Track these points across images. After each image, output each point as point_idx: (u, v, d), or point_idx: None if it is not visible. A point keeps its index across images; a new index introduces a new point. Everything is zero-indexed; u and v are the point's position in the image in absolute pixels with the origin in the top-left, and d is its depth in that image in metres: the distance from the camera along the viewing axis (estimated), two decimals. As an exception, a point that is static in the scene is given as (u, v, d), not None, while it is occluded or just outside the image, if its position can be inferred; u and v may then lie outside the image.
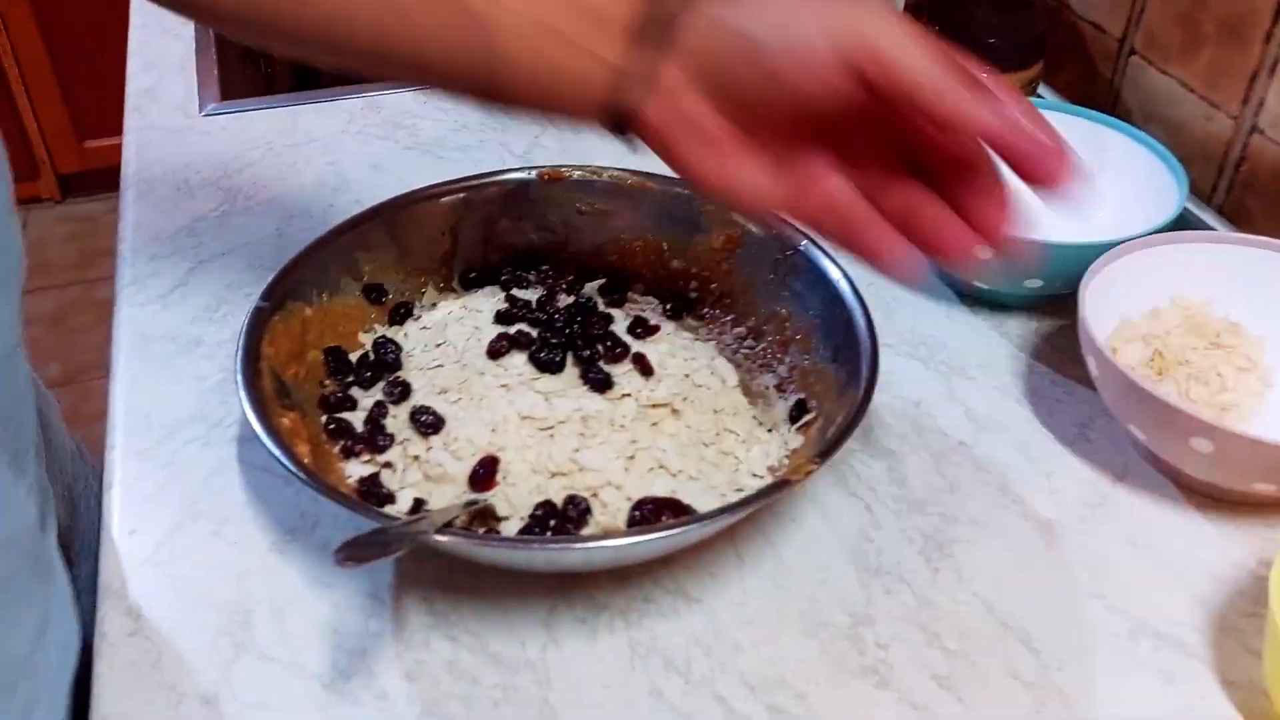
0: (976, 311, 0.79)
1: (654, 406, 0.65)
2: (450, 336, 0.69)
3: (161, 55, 1.07)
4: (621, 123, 0.47)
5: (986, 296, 0.79)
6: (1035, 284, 0.74)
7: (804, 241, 0.69)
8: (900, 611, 0.58)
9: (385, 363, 0.67)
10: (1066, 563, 0.61)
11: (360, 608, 0.57)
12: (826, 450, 0.57)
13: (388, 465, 0.62)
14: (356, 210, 0.71)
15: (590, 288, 0.74)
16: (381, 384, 0.66)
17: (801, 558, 0.61)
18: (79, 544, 0.68)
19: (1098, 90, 0.96)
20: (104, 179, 2.40)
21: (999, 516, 0.64)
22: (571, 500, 0.58)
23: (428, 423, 0.62)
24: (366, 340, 0.69)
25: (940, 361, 0.75)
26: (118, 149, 0.94)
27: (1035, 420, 0.71)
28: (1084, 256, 0.71)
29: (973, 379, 0.74)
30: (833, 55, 0.41)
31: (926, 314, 0.79)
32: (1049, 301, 0.79)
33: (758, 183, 0.47)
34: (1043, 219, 0.82)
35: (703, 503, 0.59)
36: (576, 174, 0.73)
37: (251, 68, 1.22)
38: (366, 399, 0.65)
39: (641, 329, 0.71)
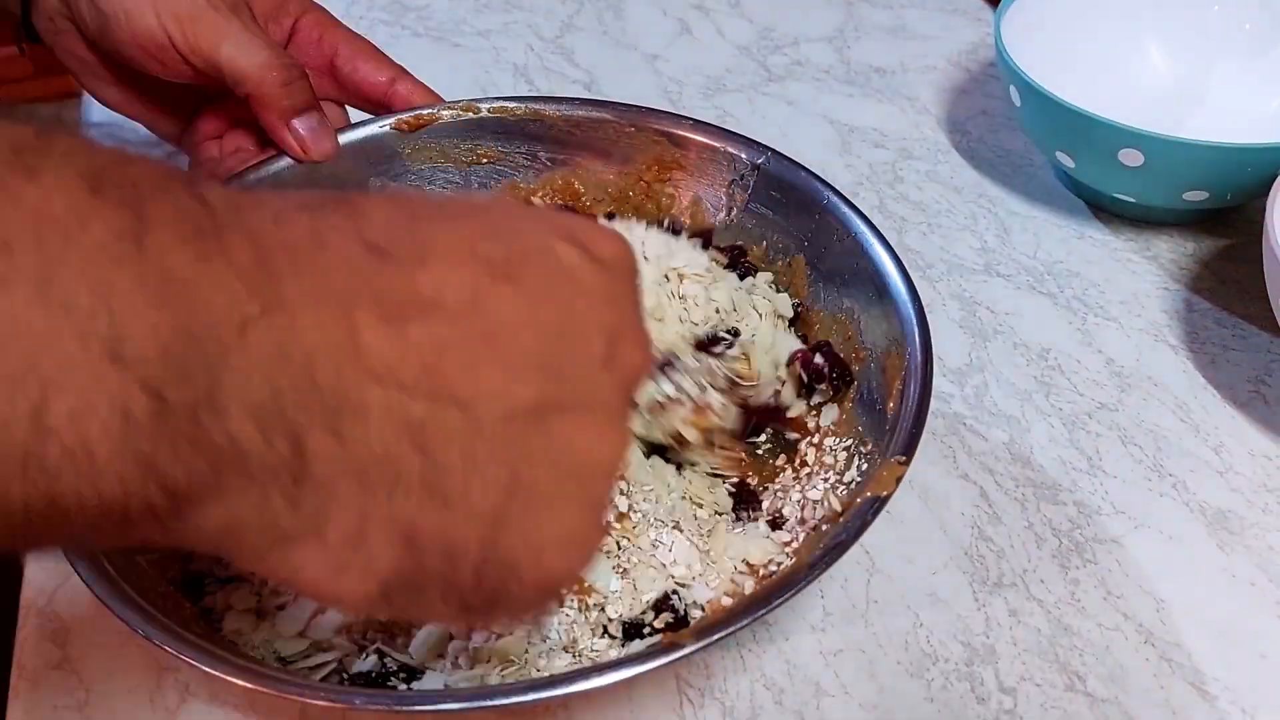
0: (1116, 229, 0.63)
1: None
2: None
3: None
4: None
5: (1129, 210, 0.63)
6: (1197, 196, 0.58)
7: (767, 154, 0.53)
8: (1030, 641, 0.45)
9: None
10: (1246, 569, 0.47)
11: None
12: (911, 440, 0.42)
13: None
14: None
15: None
16: None
17: (899, 563, 0.48)
18: None
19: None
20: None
21: (1155, 506, 0.50)
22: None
23: None
24: None
25: (1073, 296, 0.60)
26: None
27: (1197, 373, 0.55)
28: (1266, 161, 0.54)
29: (1114, 319, 0.58)
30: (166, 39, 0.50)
31: (1052, 232, 0.64)
32: (1209, 217, 0.63)
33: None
34: (1198, 110, 0.66)
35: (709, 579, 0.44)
36: (446, 114, 0.56)
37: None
38: None
39: None
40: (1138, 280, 0.60)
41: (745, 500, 0.46)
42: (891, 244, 0.49)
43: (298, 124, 0.52)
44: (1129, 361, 0.56)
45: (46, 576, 0.47)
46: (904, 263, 0.47)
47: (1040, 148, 0.64)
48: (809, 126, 0.72)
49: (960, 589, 0.47)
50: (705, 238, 0.54)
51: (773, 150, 0.53)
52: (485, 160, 0.56)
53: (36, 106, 2.27)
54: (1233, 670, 0.44)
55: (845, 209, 0.50)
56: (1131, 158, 0.57)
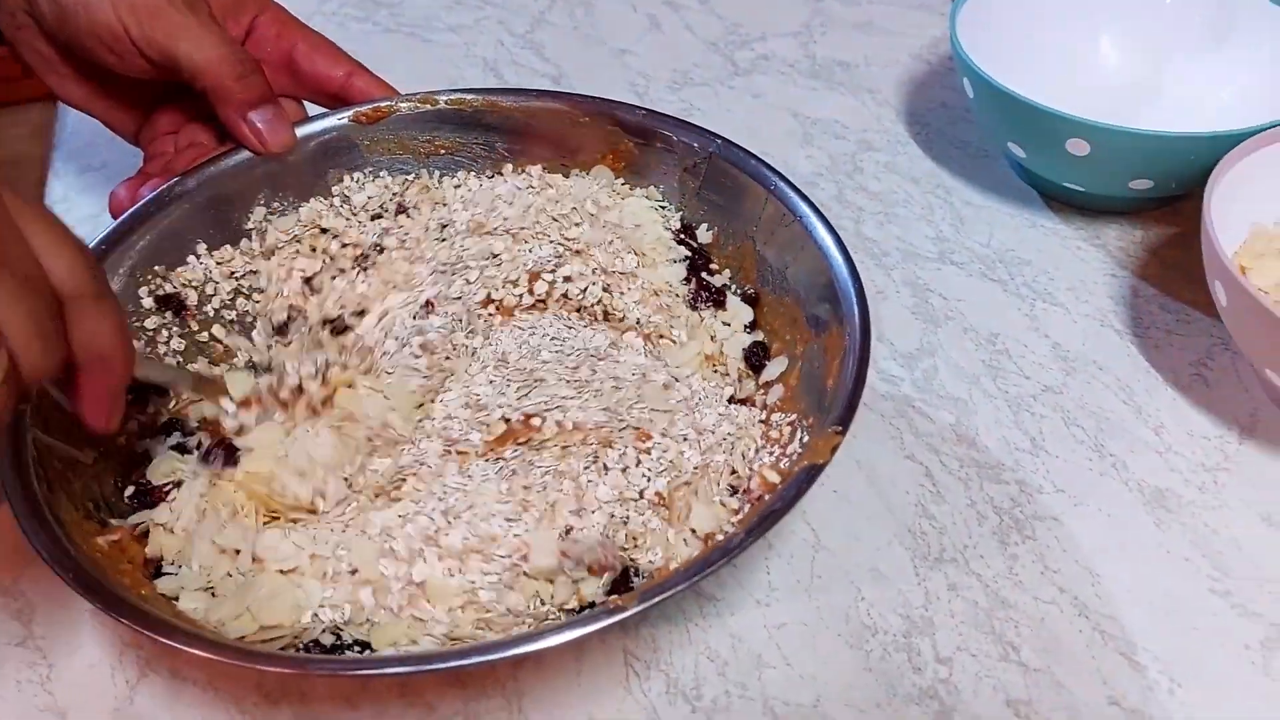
0: (1067, 218, 0.65)
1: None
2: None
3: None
4: None
5: (1079, 200, 0.64)
6: (1143, 185, 0.60)
7: (717, 141, 0.54)
8: (968, 614, 0.46)
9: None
10: (1181, 547, 0.49)
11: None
12: (846, 412, 0.43)
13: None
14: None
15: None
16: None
17: (844, 539, 0.49)
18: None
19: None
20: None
21: (1095, 484, 0.51)
22: None
23: None
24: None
25: (1023, 283, 0.61)
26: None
27: (1140, 357, 0.57)
28: (1207, 150, 0.56)
29: (1062, 304, 0.60)
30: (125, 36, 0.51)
31: (1005, 221, 0.65)
32: (1158, 206, 0.64)
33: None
34: (1153, 103, 0.68)
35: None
36: (404, 106, 0.57)
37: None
38: None
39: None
40: (1086, 267, 0.62)
41: None
42: (838, 230, 0.50)
43: (254, 116, 0.53)
44: (1075, 346, 0.57)
45: (13, 554, 0.49)
46: (845, 244, 0.49)
47: (993, 139, 0.65)
48: (772, 119, 0.73)
49: (902, 564, 0.48)
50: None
51: (723, 138, 0.54)
52: (443, 151, 0.58)
53: (29, 107, 2.29)
54: (1163, 642, 0.45)
55: (792, 194, 0.51)
56: (1078, 147, 0.58)
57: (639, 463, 0.46)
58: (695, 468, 0.46)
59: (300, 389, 0.49)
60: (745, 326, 0.53)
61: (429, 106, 0.57)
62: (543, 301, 0.53)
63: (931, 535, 0.49)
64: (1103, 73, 0.69)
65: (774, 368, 0.50)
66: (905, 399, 0.55)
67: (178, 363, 0.51)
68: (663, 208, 0.56)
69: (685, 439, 0.47)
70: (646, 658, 0.45)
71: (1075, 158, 0.59)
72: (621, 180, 0.57)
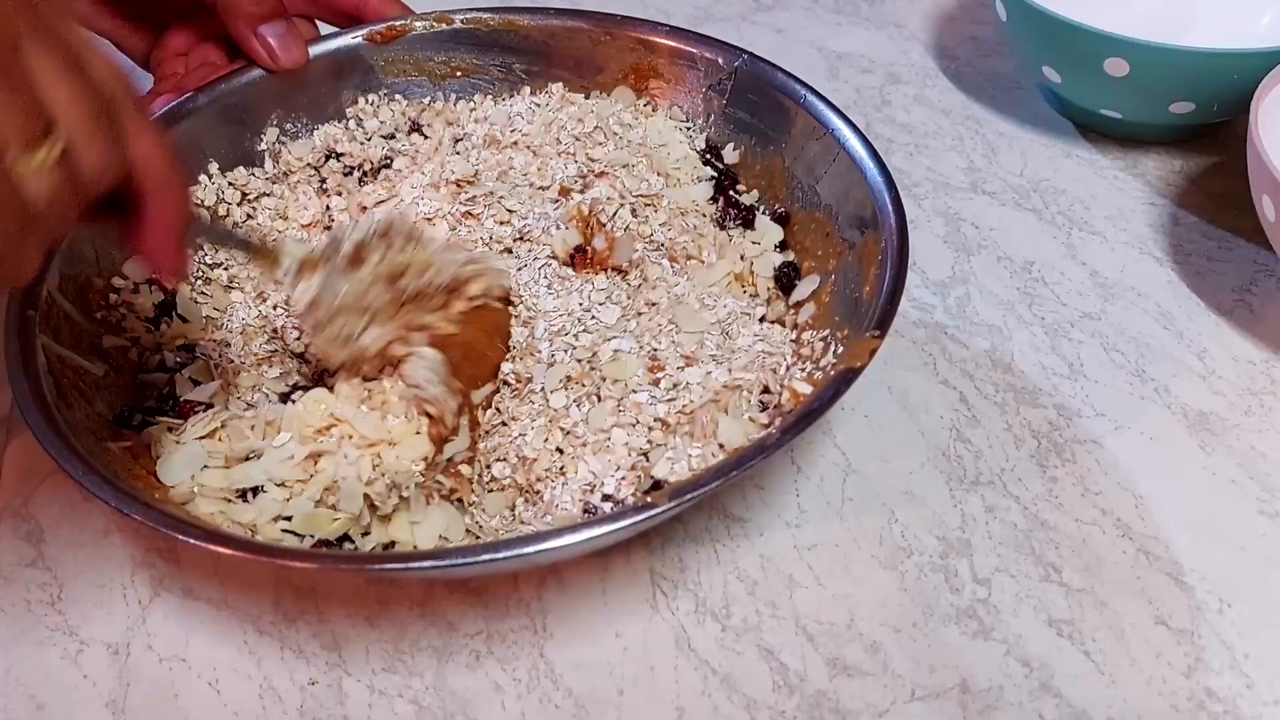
0: (1103, 148, 0.63)
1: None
2: None
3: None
4: None
5: (1116, 128, 0.62)
6: (1183, 109, 0.58)
7: (743, 56, 0.53)
8: (1006, 535, 0.45)
9: None
10: (1227, 469, 0.47)
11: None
12: (884, 315, 0.41)
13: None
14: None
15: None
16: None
17: (875, 463, 0.47)
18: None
19: None
20: None
21: (1136, 409, 0.49)
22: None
23: None
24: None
25: (1058, 212, 0.59)
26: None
27: (1181, 284, 0.55)
28: (1252, 67, 0.54)
29: (1099, 233, 0.58)
30: None
31: (1039, 152, 0.63)
32: (1197, 133, 0.62)
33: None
34: (1190, 27, 0.65)
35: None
36: (419, 25, 0.55)
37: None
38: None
39: None
40: (1124, 196, 0.60)
41: None
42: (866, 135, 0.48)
43: (265, 31, 0.51)
44: (1113, 273, 0.56)
45: (23, 479, 0.47)
46: (879, 152, 0.47)
47: (1027, 64, 0.63)
48: (796, 54, 0.71)
49: (937, 487, 0.46)
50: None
51: (749, 53, 0.53)
52: (459, 73, 0.56)
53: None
54: (1211, 562, 0.43)
55: (822, 106, 0.49)
56: (1118, 67, 0.56)
57: (674, 384, 0.45)
58: (725, 385, 0.44)
59: (359, 255, 0.45)
60: (776, 246, 0.51)
61: (445, 26, 0.55)
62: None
63: (967, 459, 0.47)
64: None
65: (805, 286, 0.48)
66: (938, 326, 0.53)
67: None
68: (687, 127, 0.55)
69: (715, 359, 0.46)
70: (673, 577, 0.43)
71: (1114, 80, 0.57)
72: (644, 100, 0.55)
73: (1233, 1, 0.65)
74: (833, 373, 0.40)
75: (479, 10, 0.56)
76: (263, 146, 0.54)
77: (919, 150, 0.63)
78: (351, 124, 0.55)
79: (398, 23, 0.55)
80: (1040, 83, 0.65)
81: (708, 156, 0.54)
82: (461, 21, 0.55)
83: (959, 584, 0.43)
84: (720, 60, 0.53)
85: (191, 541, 0.36)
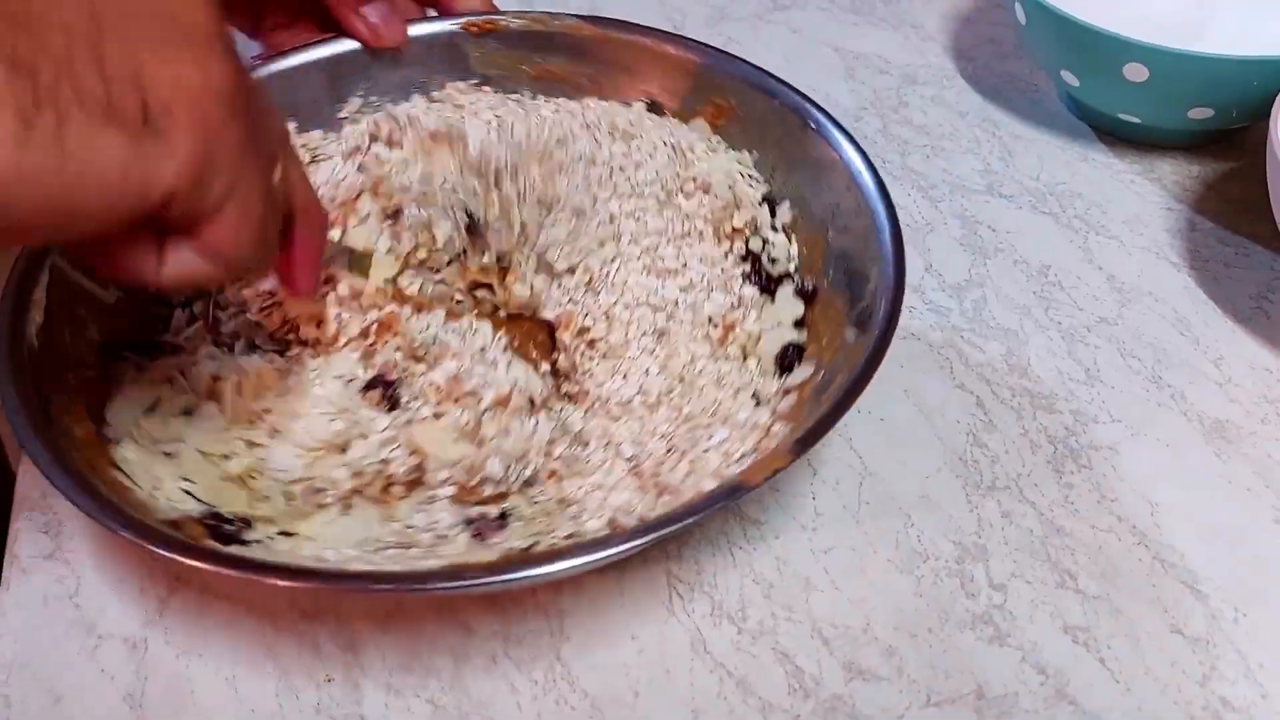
0: (1120, 153, 0.63)
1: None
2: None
3: None
4: None
5: (1134, 133, 0.62)
6: (1202, 114, 0.58)
7: (815, 117, 0.50)
8: (1022, 541, 0.45)
9: None
10: (1243, 477, 0.47)
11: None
12: (805, 440, 0.39)
13: None
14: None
15: None
16: None
17: (892, 467, 0.47)
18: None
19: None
20: None
21: (1153, 415, 0.49)
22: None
23: None
24: None
25: (1075, 216, 0.59)
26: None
27: (1199, 290, 0.55)
28: (1273, 74, 0.54)
29: (1116, 237, 0.58)
30: None
31: (1056, 155, 0.63)
32: (1215, 139, 0.62)
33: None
34: (1207, 31, 0.65)
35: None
36: (516, 24, 0.55)
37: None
38: None
39: None
40: (1141, 201, 0.60)
41: None
42: (896, 208, 0.46)
43: (367, 11, 0.52)
44: (1130, 278, 0.56)
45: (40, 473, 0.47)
46: (904, 257, 0.45)
47: (1045, 68, 0.63)
48: (813, 54, 0.71)
49: (953, 492, 0.46)
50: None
51: (825, 113, 0.50)
52: (552, 77, 0.55)
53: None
54: (1227, 571, 0.43)
55: (871, 185, 0.47)
56: (1136, 73, 0.56)
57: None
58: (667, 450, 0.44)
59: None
60: (794, 322, 0.48)
61: (540, 28, 0.55)
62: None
63: (983, 463, 0.47)
64: (1154, 3, 0.67)
65: (799, 374, 0.46)
66: (954, 329, 0.53)
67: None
68: (751, 175, 0.52)
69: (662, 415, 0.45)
70: (690, 580, 0.44)
71: (1133, 85, 0.57)
72: (716, 136, 0.54)
73: (1252, 6, 0.65)
74: (727, 479, 0.39)
75: (579, 18, 0.55)
76: (343, 114, 0.54)
77: (936, 152, 0.63)
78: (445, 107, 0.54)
79: (498, 18, 0.55)
80: (1058, 86, 0.65)
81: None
82: (558, 26, 0.55)
83: (975, 589, 0.43)
84: (798, 113, 0.50)
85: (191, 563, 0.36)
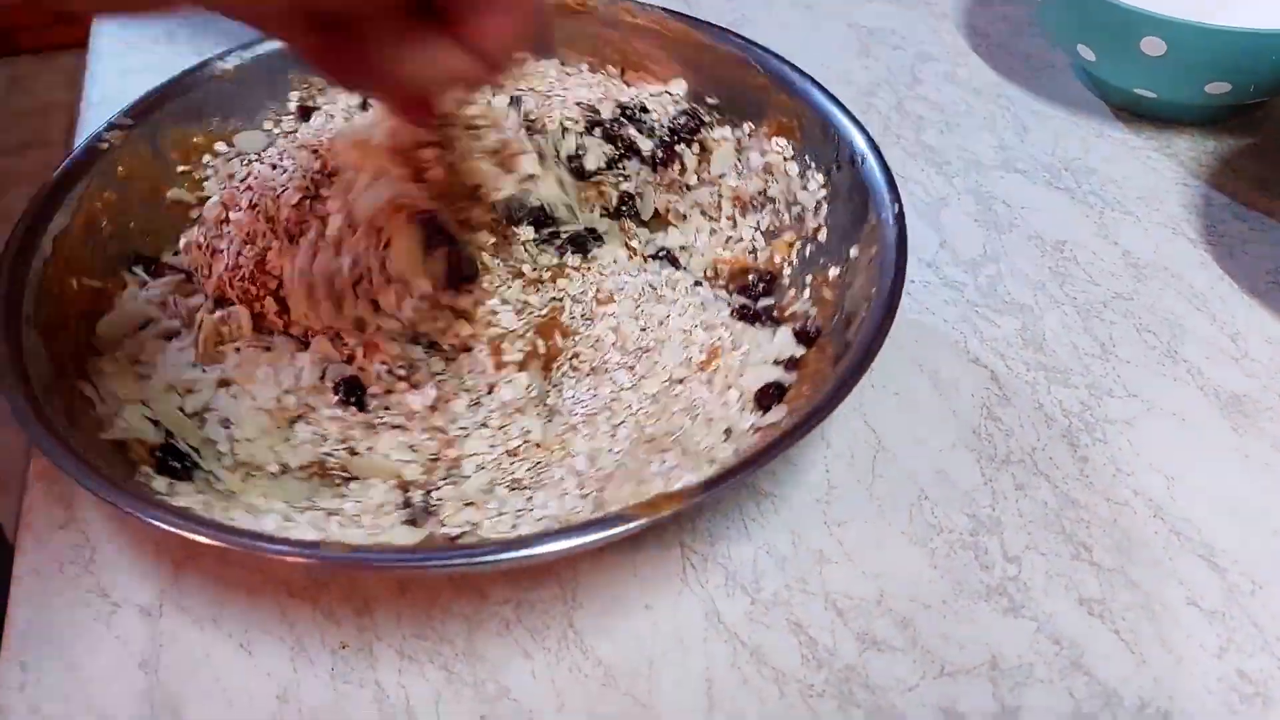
0: (1136, 128, 0.62)
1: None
2: None
3: None
4: None
5: (1150, 108, 0.62)
6: (1219, 89, 0.57)
7: (862, 151, 0.48)
8: (1036, 514, 0.44)
9: None
10: (1260, 450, 0.47)
11: (343, 497, 0.45)
12: (715, 481, 0.37)
13: None
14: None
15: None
16: None
17: (907, 442, 0.47)
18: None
19: None
20: None
21: (1169, 390, 0.49)
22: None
23: None
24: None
25: (1090, 191, 0.59)
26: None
27: (1215, 265, 0.55)
28: (1293, 48, 0.53)
29: (1132, 213, 0.58)
30: None
31: (1071, 131, 0.63)
32: (1232, 113, 0.62)
33: None
34: (1226, 4, 0.65)
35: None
36: (602, 8, 0.55)
37: None
38: None
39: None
40: (1157, 177, 0.59)
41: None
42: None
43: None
44: (1145, 253, 0.55)
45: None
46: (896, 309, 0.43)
47: (1061, 43, 0.63)
48: (828, 30, 0.71)
49: (967, 465, 0.46)
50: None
51: (872, 147, 0.48)
52: (631, 64, 0.56)
53: (59, 55, 2.28)
54: (1244, 545, 0.43)
55: (893, 238, 0.45)
56: (1153, 46, 0.56)
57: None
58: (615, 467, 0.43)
59: None
60: (784, 362, 0.46)
61: (626, 17, 0.55)
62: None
63: (998, 437, 0.47)
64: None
65: (774, 415, 0.43)
66: (969, 304, 0.53)
67: None
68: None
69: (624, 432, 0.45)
70: (704, 551, 0.43)
71: (1150, 59, 0.56)
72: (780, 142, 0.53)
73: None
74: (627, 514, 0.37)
75: (663, 10, 0.55)
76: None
77: (950, 129, 0.63)
78: None
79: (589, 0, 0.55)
80: (1074, 62, 0.64)
81: None
82: (643, 20, 0.55)
83: (989, 561, 0.43)
84: (848, 143, 0.49)
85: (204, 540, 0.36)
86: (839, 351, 0.43)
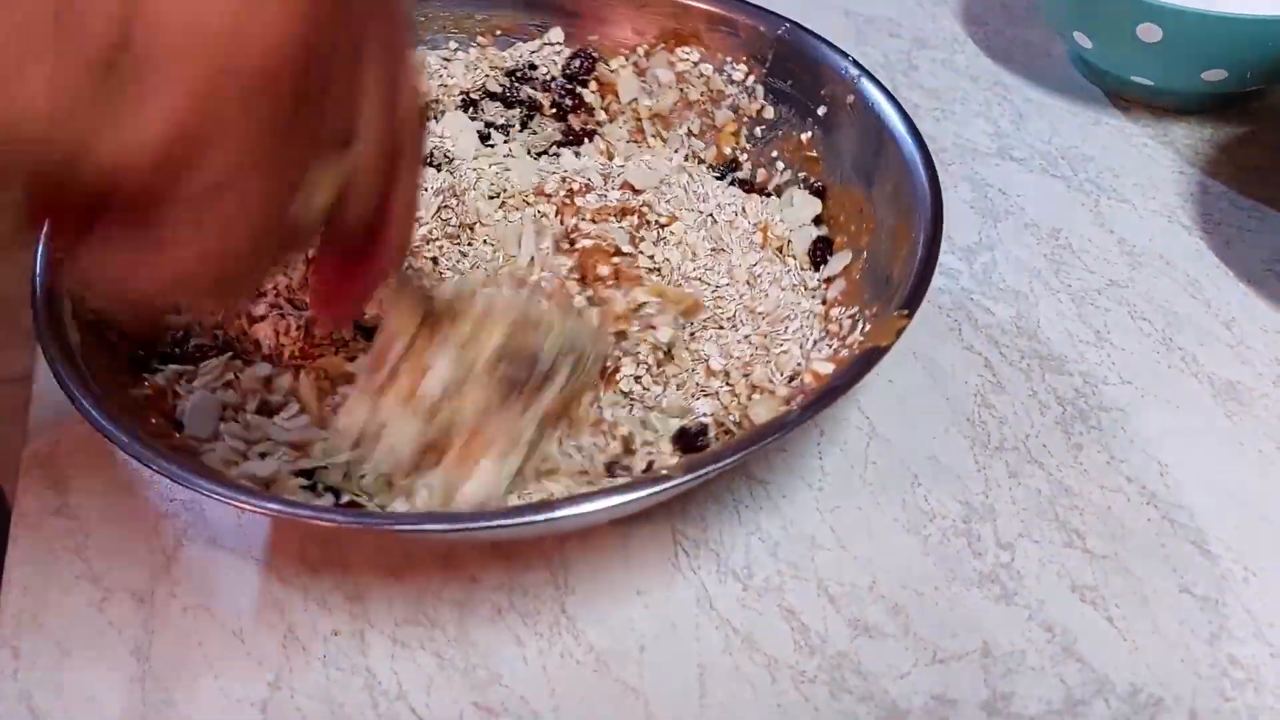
0: (1133, 116, 0.62)
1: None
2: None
3: None
4: None
5: (1146, 96, 0.62)
6: (1216, 76, 0.57)
7: (785, 25, 0.52)
8: (1029, 501, 0.44)
9: None
10: (1254, 438, 0.46)
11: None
12: (913, 295, 0.41)
13: None
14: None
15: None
16: None
17: (899, 428, 0.47)
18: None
19: None
20: None
21: (1163, 377, 0.49)
22: None
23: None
24: None
25: (1086, 179, 0.59)
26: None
27: (1210, 253, 0.54)
28: (1289, 35, 0.53)
29: (1128, 201, 0.57)
30: None
31: (1068, 119, 0.62)
32: (1229, 102, 0.62)
33: None
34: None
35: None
36: None
37: None
38: None
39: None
40: (1153, 165, 0.59)
41: None
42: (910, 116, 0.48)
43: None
44: (1141, 241, 0.55)
45: (48, 428, 0.48)
46: (920, 133, 0.46)
47: (1057, 29, 0.63)
48: (822, 16, 0.71)
49: (960, 452, 0.46)
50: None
51: (791, 21, 0.52)
52: (499, 32, 0.56)
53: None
54: (1237, 531, 0.43)
55: (866, 82, 0.49)
56: (1150, 33, 0.56)
57: (692, 335, 0.45)
58: (753, 351, 0.45)
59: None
60: (813, 220, 0.51)
61: None
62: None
63: (991, 424, 0.47)
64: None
65: (836, 262, 0.48)
66: (964, 292, 0.53)
67: None
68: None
69: (743, 321, 0.46)
70: (695, 536, 0.43)
71: (1146, 45, 0.56)
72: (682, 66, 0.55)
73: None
74: (858, 351, 0.40)
75: None
76: None
77: (945, 116, 0.63)
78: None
79: None
80: (1070, 49, 0.64)
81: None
82: None
83: (982, 549, 0.43)
84: (761, 28, 0.52)
85: (210, 495, 0.36)
86: (864, 201, 0.48)
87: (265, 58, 0.22)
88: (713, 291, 0.47)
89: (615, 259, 0.47)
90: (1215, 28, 0.54)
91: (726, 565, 0.43)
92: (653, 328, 0.44)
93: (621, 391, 0.43)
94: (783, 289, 0.48)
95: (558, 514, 0.35)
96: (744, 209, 0.51)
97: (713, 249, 0.48)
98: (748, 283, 0.47)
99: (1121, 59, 0.59)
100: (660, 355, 0.44)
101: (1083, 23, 0.59)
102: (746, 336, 0.46)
